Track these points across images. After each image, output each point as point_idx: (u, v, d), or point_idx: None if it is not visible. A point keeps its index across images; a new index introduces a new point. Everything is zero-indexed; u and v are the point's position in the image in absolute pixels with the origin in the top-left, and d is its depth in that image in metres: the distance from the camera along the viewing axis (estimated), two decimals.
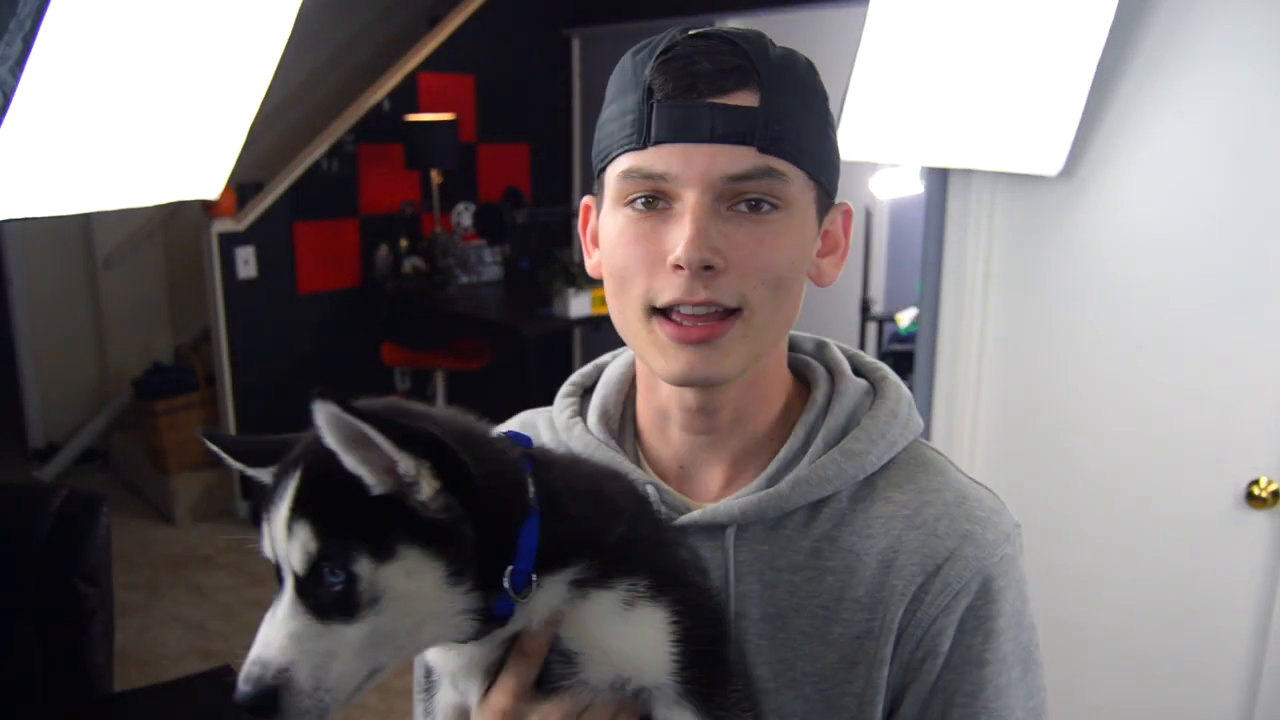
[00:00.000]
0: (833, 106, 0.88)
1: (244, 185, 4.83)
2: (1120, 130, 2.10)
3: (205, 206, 4.53)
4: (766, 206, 0.82)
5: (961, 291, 2.41)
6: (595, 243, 0.92)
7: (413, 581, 0.71)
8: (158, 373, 5.05)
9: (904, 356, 4.40)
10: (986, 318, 2.39)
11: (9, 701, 2.15)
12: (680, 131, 0.80)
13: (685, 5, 4.75)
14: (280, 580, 0.73)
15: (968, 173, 2.35)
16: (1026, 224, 2.30)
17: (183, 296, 5.61)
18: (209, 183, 1.53)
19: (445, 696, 0.87)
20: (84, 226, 5.34)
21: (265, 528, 0.74)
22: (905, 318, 4.74)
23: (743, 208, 0.82)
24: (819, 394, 0.94)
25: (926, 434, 2.56)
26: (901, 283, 5.13)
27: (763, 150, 0.80)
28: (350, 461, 0.70)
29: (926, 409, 2.52)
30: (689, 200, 0.80)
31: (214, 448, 0.81)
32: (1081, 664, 2.32)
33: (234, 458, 0.81)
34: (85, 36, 1.11)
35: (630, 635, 0.76)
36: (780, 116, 0.80)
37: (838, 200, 0.91)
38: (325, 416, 0.68)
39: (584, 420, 0.98)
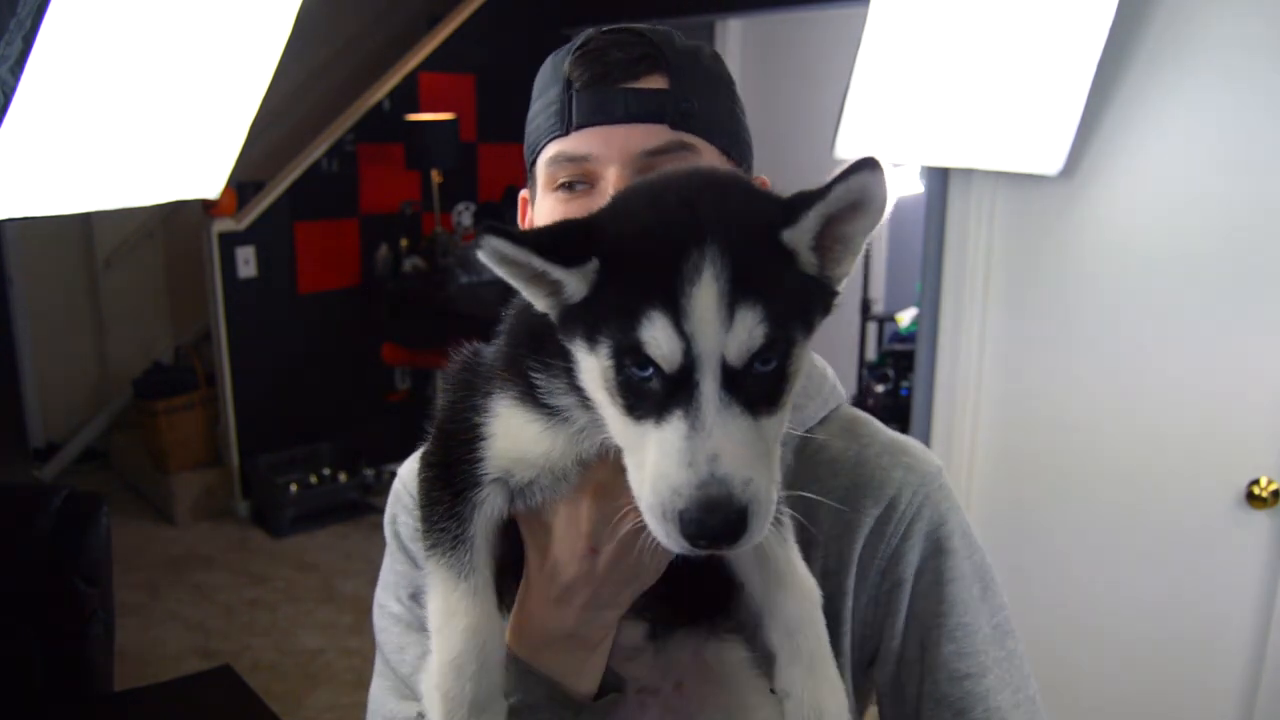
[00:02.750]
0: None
1: (244, 185, 4.83)
2: (1120, 130, 2.10)
3: (205, 206, 4.53)
4: None
5: (961, 291, 2.41)
6: None
7: (805, 360, 0.69)
8: (158, 373, 5.06)
9: (904, 356, 4.40)
10: (986, 318, 2.39)
11: (9, 701, 2.14)
12: (598, 114, 0.87)
13: (684, 5, 4.75)
14: (676, 386, 0.62)
15: (968, 173, 2.35)
16: (1026, 224, 2.30)
17: (183, 296, 5.61)
18: (209, 182, 1.54)
19: (492, 513, 0.79)
20: (84, 226, 5.34)
21: (657, 324, 0.62)
22: (905, 318, 4.73)
23: None
24: None
25: (927, 434, 2.57)
26: (901, 283, 5.13)
27: (674, 126, 0.87)
28: (803, 236, 0.65)
29: (926, 409, 2.52)
30: (610, 176, 0.87)
31: (517, 248, 0.66)
32: (1082, 662, 2.32)
33: (538, 253, 0.66)
34: (85, 36, 1.11)
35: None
36: (689, 96, 0.88)
37: (754, 175, 0.98)
38: (868, 182, 0.62)
39: None
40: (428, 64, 5.00)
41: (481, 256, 0.67)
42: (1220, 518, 2.06)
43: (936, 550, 0.94)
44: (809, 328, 0.68)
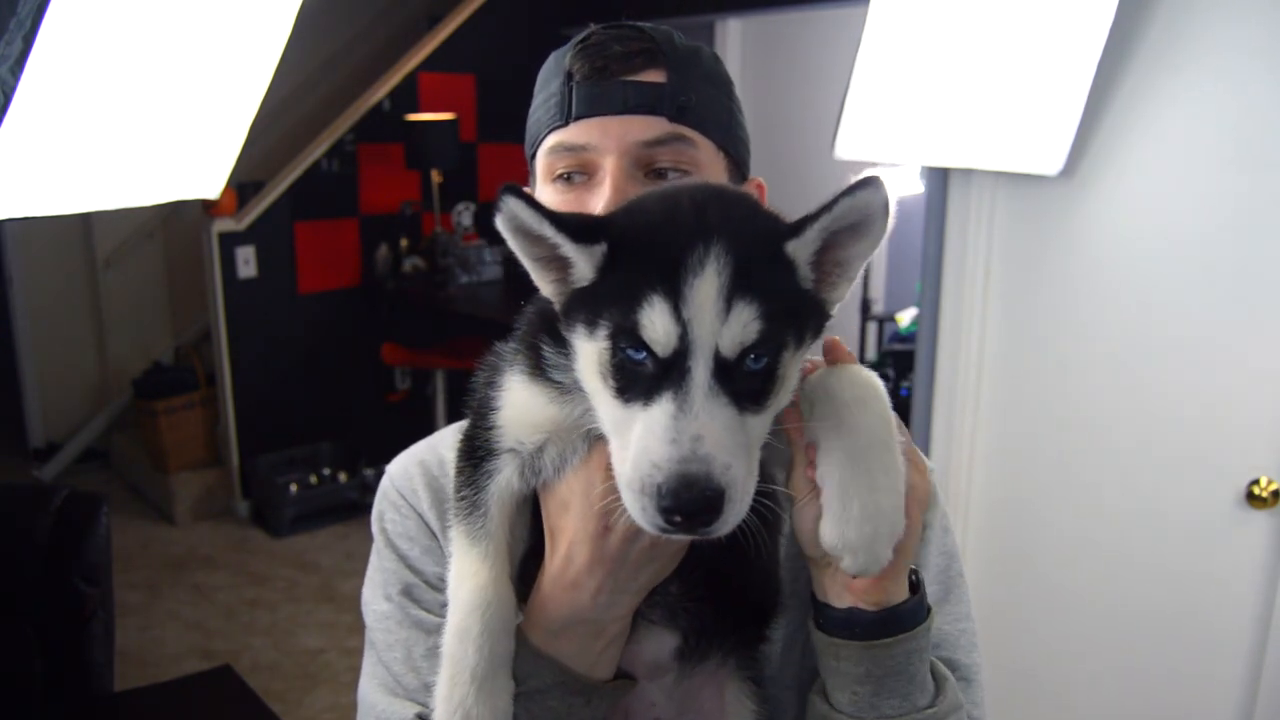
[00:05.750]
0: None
1: (244, 185, 4.84)
2: (1120, 130, 2.10)
3: (205, 206, 4.53)
4: (679, 174, 0.89)
5: (961, 291, 2.41)
6: None
7: (794, 373, 0.70)
8: (158, 373, 5.06)
9: (904, 356, 4.40)
10: (986, 317, 2.39)
11: (9, 701, 2.14)
12: (597, 106, 0.89)
13: (685, 5, 4.75)
14: (668, 370, 0.65)
15: (968, 173, 2.35)
16: (1026, 224, 2.30)
17: (183, 296, 5.61)
18: (209, 183, 1.54)
19: (506, 483, 0.81)
20: (84, 226, 5.34)
21: (656, 308, 0.64)
22: (905, 318, 4.74)
23: (655, 178, 0.89)
24: None
25: (927, 434, 2.57)
26: (901, 283, 5.13)
27: (672, 119, 0.89)
28: (804, 249, 0.68)
29: (927, 409, 2.52)
30: (608, 166, 0.88)
31: (533, 212, 0.69)
32: (1082, 663, 2.32)
33: (559, 227, 0.69)
34: (85, 36, 1.11)
35: None
36: (686, 90, 0.89)
37: (751, 177, 0.99)
38: (871, 199, 0.65)
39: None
40: (428, 64, 5.00)
41: (498, 221, 0.70)
42: (1220, 518, 2.06)
43: None
44: (800, 339, 0.70)
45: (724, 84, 0.96)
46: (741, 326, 0.64)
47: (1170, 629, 2.17)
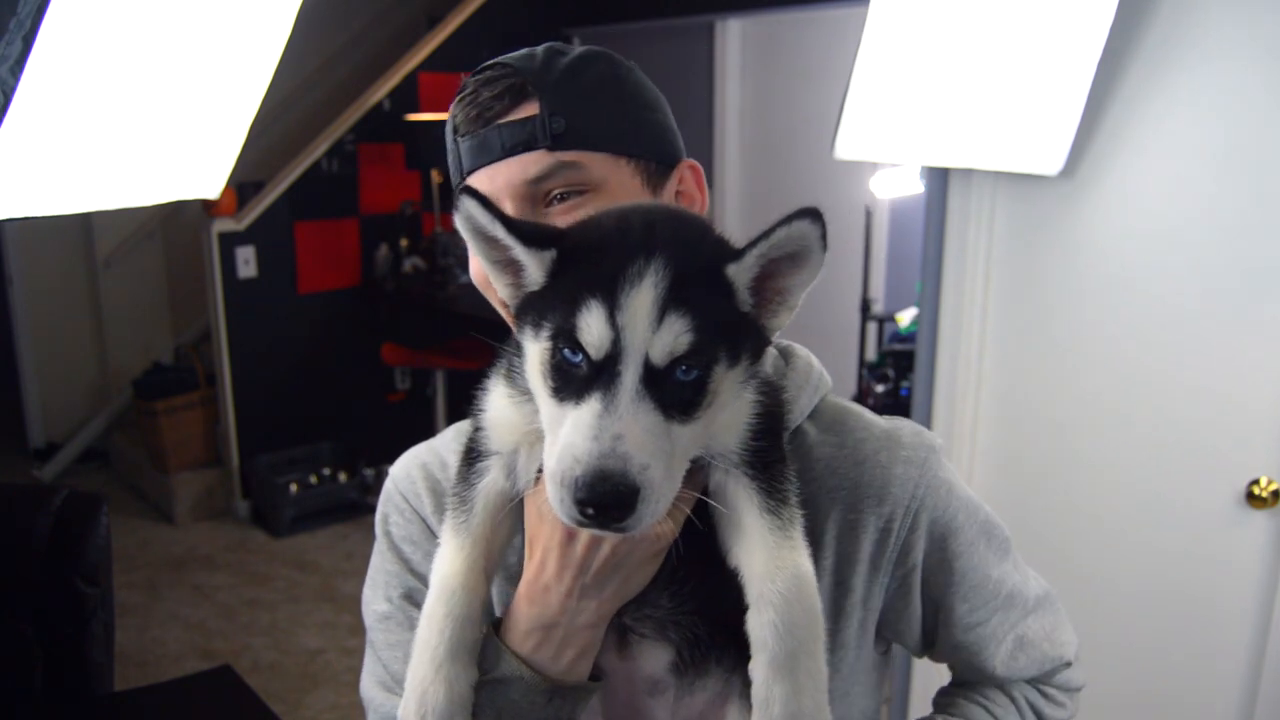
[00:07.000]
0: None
1: (244, 185, 4.84)
2: (1120, 130, 2.10)
3: (205, 206, 4.54)
4: (575, 195, 0.91)
5: (961, 291, 2.41)
6: None
7: (731, 391, 0.74)
8: (158, 373, 5.06)
9: (904, 356, 4.40)
10: (986, 318, 2.39)
11: (9, 701, 2.14)
12: (480, 157, 0.91)
13: (685, 5, 4.75)
14: (600, 373, 0.68)
15: (968, 173, 2.35)
16: (1026, 224, 2.30)
17: (183, 296, 5.61)
18: (209, 183, 1.54)
19: (493, 484, 0.85)
20: (84, 226, 5.35)
21: (593, 312, 0.68)
22: (905, 318, 4.73)
23: (556, 203, 0.91)
24: None
25: None
26: (901, 283, 5.13)
27: (551, 149, 0.89)
28: (744, 273, 0.72)
29: (927, 409, 2.52)
30: (508, 210, 0.90)
31: (487, 214, 0.73)
32: (1082, 663, 2.32)
33: (511, 231, 0.73)
34: (85, 36, 1.11)
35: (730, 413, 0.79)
36: (562, 114, 0.89)
37: (686, 160, 0.99)
38: (807, 230, 0.69)
39: None
40: (428, 64, 5.00)
41: (456, 221, 0.75)
42: (1220, 518, 2.06)
43: (944, 533, 0.96)
44: (735, 358, 0.72)
45: (614, 88, 0.94)
46: (673, 337, 0.68)
47: (1169, 629, 2.17)
